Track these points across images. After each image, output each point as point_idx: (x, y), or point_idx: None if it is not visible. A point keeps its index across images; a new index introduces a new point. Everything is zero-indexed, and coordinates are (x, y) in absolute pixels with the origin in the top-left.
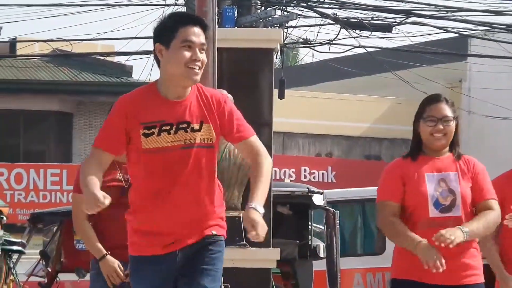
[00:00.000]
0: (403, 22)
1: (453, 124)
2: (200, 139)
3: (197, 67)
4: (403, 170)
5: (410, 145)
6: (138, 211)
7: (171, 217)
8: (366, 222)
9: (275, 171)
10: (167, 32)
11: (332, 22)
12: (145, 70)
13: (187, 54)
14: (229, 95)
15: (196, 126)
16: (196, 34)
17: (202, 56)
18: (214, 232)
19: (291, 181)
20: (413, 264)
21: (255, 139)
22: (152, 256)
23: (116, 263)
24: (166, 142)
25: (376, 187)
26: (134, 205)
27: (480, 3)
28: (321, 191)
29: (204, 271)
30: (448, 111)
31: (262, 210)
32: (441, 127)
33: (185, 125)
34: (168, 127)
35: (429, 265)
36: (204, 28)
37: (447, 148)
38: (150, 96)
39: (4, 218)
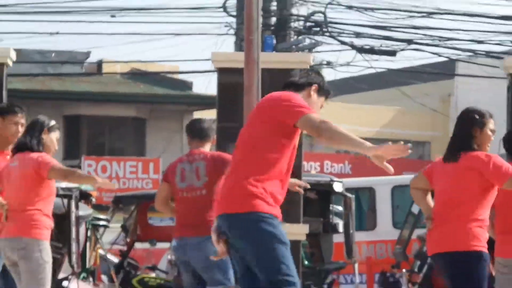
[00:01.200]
0: (405, 48)
1: None
2: None
3: None
4: None
5: (467, 142)
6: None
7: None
8: (360, 205)
9: (304, 164)
10: None
11: (350, 48)
12: (202, 85)
13: None
14: None
15: None
16: None
17: None
18: None
19: (316, 172)
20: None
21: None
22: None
23: None
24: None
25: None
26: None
27: (466, 34)
28: (341, 180)
29: None
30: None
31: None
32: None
33: None
34: None
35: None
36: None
37: None
38: None
39: (93, 199)
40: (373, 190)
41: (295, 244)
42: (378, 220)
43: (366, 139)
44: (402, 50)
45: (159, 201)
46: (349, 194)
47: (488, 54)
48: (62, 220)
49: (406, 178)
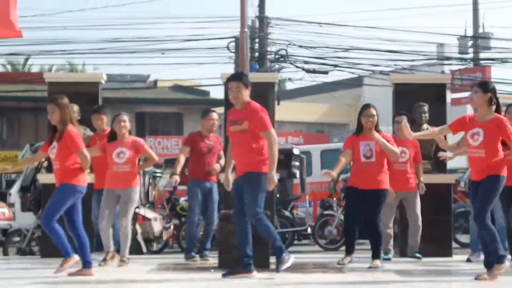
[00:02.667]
0: (333, 70)
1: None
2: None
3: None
4: None
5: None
6: None
7: None
8: (308, 161)
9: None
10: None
11: (301, 70)
12: (218, 93)
13: None
14: None
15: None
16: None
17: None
18: None
19: (283, 143)
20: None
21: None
22: None
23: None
24: None
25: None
26: None
27: (367, 60)
28: (298, 147)
29: None
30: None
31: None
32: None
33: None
34: None
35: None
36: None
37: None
38: None
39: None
40: (310, 153)
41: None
42: (315, 170)
43: (312, 123)
44: (331, 70)
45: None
46: (302, 155)
47: (382, 72)
48: None
49: (331, 145)
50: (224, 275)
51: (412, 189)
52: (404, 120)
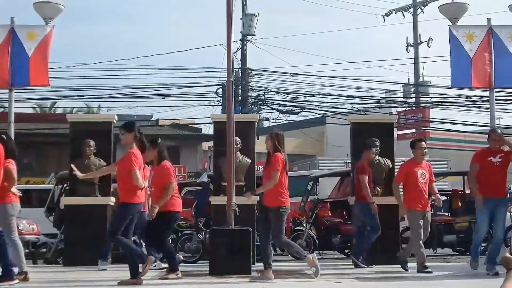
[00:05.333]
0: (302, 111)
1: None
2: None
3: None
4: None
5: None
6: None
7: None
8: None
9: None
10: None
11: (276, 111)
12: (208, 130)
13: None
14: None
15: None
16: None
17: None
18: None
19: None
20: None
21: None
22: None
23: None
24: None
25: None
26: None
27: (331, 104)
28: None
29: None
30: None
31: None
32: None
33: None
34: None
35: None
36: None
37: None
38: None
39: None
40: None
41: (252, 206)
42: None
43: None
44: (301, 111)
45: None
46: None
47: (341, 113)
48: None
49: (291, 173)
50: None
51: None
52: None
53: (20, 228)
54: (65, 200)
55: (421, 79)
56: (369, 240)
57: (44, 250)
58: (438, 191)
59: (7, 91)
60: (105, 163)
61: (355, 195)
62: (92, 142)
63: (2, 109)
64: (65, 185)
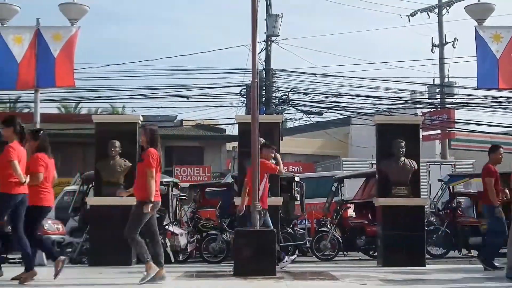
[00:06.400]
0: (326, 111)
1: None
2: None
3: None
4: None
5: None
6: None
7: None
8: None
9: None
10: None
11: (300, 111)
12: (232, 131)
13: None
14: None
15: None
16: None
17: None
18: None
19: (285, 172)
20: None
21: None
22: None
23: None
24: None
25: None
26: None
27: (354, 105)
28: (298, 175)
29: None
30: None
31: None
32: None
33: None
34: None
35: None
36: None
37: None
38: None
39: (179, 186)
40: (303, 182)
41: (276, 207)
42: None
43: (309, 155)
44: (325, 112)
45: None
46: (301, 182)
47: (366, 114)
48: (165, 197)
49: (316, 174)
50: None
51: None
52: None
53: (45, 228)
54: (91, 201)
55: (446, 80)
56: (493, 244)
57: (69, 250)
58: (463, 193)
59: (33, 91)
60: (130, 164)
61: (482, 198)
62: (117, 143)
63: (28, 110)
64: (90, 185)
